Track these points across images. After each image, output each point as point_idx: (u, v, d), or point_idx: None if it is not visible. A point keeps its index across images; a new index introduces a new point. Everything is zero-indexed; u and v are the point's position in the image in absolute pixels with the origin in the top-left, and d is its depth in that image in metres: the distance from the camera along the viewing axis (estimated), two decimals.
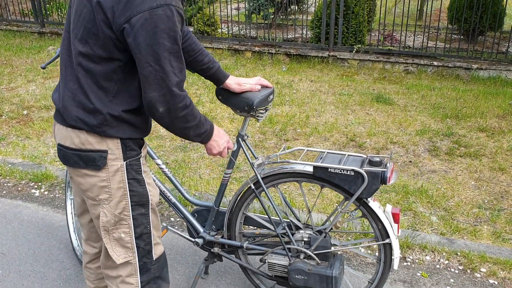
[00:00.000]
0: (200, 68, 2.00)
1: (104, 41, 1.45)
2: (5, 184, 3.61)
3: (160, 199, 3.33)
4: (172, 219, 3.17)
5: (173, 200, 2.34)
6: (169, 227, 2.41)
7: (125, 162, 1.59)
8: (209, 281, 2.56)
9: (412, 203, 3.29)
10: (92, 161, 1.56)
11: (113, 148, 1.57)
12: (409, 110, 5.07)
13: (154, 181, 2.27)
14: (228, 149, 1.89)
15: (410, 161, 3.95)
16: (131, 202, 1.64)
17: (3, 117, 4.88)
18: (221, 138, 1.83)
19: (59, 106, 1.58)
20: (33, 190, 3.53)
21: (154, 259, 1.76)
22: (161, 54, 1.43)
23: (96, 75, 1.50)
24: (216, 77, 2.03)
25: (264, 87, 2.09)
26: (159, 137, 4.41)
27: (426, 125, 4.65)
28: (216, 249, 2.34)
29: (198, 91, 5.56)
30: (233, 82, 2.03)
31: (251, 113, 2.04)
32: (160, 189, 2.31)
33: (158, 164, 2.32)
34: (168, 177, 2.35)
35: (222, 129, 1.88)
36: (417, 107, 5.16)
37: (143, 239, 1.71)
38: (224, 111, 4.98)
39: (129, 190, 1.62)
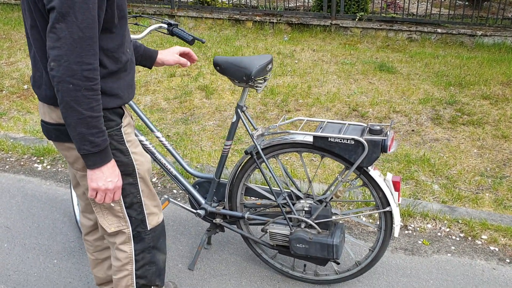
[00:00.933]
0: None
1: (35, 7, 1.40)
2: (8, 159, 3.63)
3: (162, 172, 3.35)
4: (175, 191, 3.18)
5: (174, 172, 2.35)
6: (171, 199, 2.42)
7: None
8: (211, 251, 2.59)
9: (414, 172, 3.29)
10: None
11: None
12: (412, 79, 5.01)
13: (154, 154, 2.27)
14: (114, 197, 1.57)
15: (413, 130, 3.93)
16: None
17: (4, 92, 4.86)
18: (114, 177, 1.53)
19: (32, 85, 1.59)
20: (36, 165, 3.54)
21: (148, 229, 1.77)
22: (63, 2, 1.31)
23: None
24: (149, 54, 2.00)
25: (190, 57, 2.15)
26: (160, 110, 4.39)
27: (429, 94, 4.60)
28: (218, 220, 2.35)
29: (198, 63, 5.51)
30: (166, 53, 2.04)
31: (250, 83, 2.02)
32: (161, 162, 2.31)
33: (157, 137, 2.31)
34: (169, 150, 2.34)
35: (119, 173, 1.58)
36: (420, 76, 5.10)
37: (134, 208, 1.72)
38: (225, 82, 4.94)
39: None
